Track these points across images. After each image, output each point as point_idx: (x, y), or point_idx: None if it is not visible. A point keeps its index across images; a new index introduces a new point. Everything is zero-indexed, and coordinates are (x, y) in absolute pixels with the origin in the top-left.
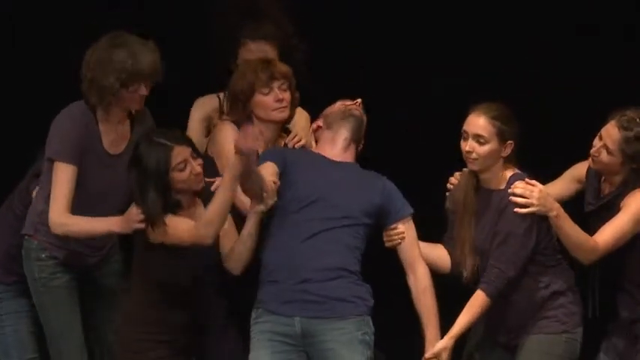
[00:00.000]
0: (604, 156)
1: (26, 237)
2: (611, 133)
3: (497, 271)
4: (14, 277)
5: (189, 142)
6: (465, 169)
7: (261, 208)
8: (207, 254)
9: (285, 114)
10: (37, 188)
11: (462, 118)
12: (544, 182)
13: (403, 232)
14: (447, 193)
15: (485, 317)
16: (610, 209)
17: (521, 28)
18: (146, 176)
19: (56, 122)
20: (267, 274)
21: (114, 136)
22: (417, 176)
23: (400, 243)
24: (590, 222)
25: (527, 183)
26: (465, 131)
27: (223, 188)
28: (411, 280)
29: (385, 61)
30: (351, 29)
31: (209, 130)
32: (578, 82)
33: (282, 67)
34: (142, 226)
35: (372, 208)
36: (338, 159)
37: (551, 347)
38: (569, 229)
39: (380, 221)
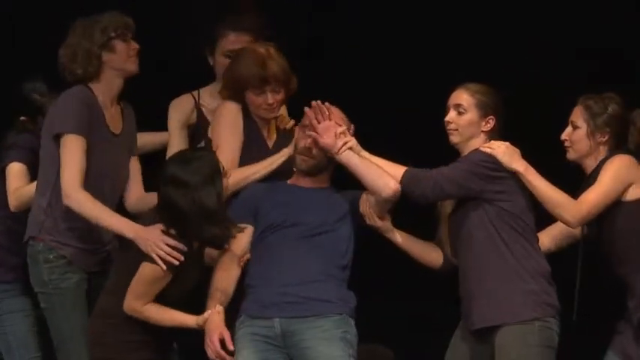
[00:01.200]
0: (571, 135)
1: (30, 241)
2: (574, 112)
3: (432, 176)
4: (13, 274)
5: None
6: None
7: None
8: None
9: (273, 114)
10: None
11: None
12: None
13: (365, 197)
14: None
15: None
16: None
17: (522, 27)
18: (203, 193)
19: (59, 103)
20: (248, 287)
21: (110, 114)
22: None
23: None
24: None
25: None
26: (447, 105)
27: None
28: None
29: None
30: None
31: (189, 130)
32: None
33: (277, 69)
34: (160, 263)
35: (344, 212)
36: (308, 186)
37: (526, 337)
38: (543, 185)
39: (356, 216)
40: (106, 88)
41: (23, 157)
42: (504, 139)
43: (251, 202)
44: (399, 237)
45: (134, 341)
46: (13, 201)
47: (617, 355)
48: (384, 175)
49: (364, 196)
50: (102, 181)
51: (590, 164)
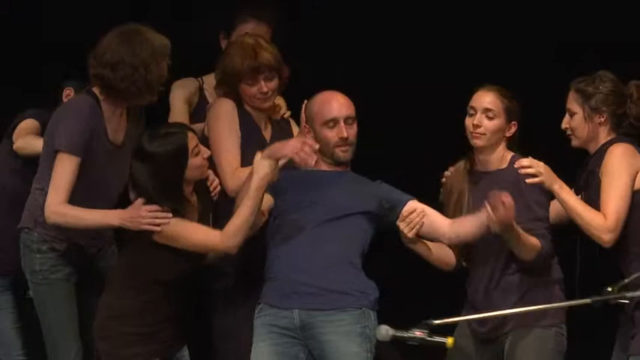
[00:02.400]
0: (570, 122)
1: (25, 230)
2: (569, 98)
3: (547, 240)
4: None
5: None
6: (458, 163)
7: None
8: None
9: (268, 103)
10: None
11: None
12: None
13: (422, 209)
14: (442, 188)
15: (469, 306)
16: (589, 177)
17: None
18: (165, 167)
19: (61, 115)
20: (268, 271)
21: (115, 127)
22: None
23: (423, 220)
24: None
25: (531, 159)
26: (472, 107)
27: (249, 198)
28: (462, 230)
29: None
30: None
31: (190, 112)
32: None
33: (268, 57)
34: (154, 227)
35: (369, 200)
36: (335, 167)
37: (544, 342)
38: (575, 202)
39: (385, 219)
40: (117, 104)
41: (38, 117)
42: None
43: (276, 192)
44: (421, 246)
45: (139, 334)
46: (19, 142)
47: (622, 352)
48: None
49: (419, 210)
50: (104, 191)
51: (595, 147)
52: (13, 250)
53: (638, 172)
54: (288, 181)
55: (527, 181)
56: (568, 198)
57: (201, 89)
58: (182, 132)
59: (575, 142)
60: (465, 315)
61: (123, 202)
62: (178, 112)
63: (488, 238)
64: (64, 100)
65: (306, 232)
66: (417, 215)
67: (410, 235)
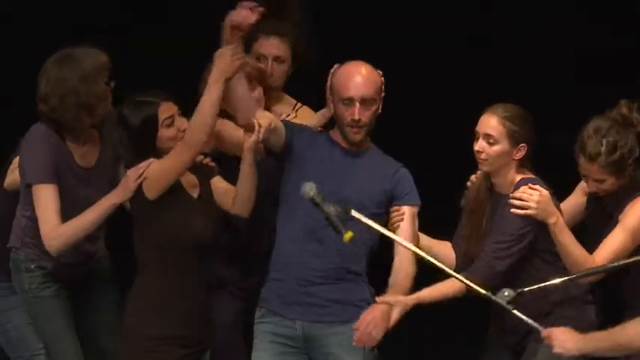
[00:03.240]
0: (601, 187)
1: (13, 249)
2: (591, 170)
3: (485, 263)
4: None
5: (174, 101)
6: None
7: (254, 140)
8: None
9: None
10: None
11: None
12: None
13: (404, 213)
14: (465, 191)
15: (496, 318)
16: (608, 220)
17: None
18: (135, 134)
19: (25, 149)
20: (273, 271)
21: (83, 149)
22: (436, 177)
23: (398, 223)
24: (590, 234)
25: (531, 187)
26: (476, 131)
27: (209, 89)
28: (395, 261)
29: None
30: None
31: None
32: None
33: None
34: (140, 178)
35: (382, 196)
36: (352, 147)
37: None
38: (567, 239)
39: (388, 207)
40: (76, 129)
41: None
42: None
43: (290, 131)
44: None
45: (167, 337)
46: (8, 177)
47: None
48: None
49: (400, 213)
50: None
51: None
52: None
53: None
54: (306, 151)
55: (512, 211)
56: (559, 233)
57: None
58: (154, 102)
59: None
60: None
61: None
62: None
63: None
64: None
65: (319, 239)
66: (397, 216)
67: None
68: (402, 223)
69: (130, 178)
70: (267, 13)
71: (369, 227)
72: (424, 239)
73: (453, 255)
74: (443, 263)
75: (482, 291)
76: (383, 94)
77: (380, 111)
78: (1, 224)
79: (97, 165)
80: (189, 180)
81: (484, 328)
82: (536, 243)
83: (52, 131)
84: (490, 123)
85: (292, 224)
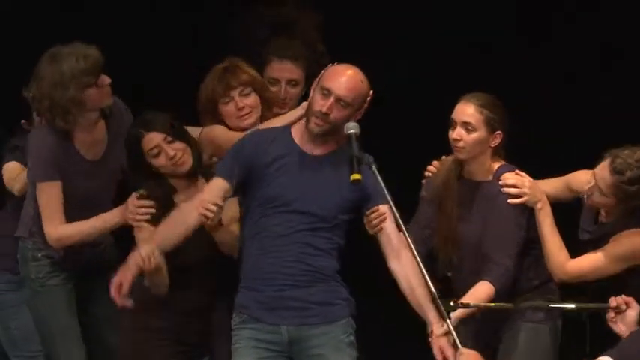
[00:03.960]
0: (597, 197)
1: (22, 238)
2: (603, 176)
3: (504, 268)
4: (13, 268)
5: (162, 127)
6: (445, 157)
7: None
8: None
9: (250, 120)
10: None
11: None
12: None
13: (384, 213)
14: (424, 181)
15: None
16: (603, 242)
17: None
18: (129, 159)
19: (30, 147)
20: (245, 280)
21: (90, 142)
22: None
23: (381, 225)
24: (582, 250)
25: (517, 173)
26: (452, 120)
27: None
28: (396, 267)
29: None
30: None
31: None
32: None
33: (241, 74)
34: (138, 224)
35: (348, 203)
36: (316, 152)
37: (538, 337)
38: (548, 228)
39: (359, 211)
40: (81, 123)
41: (19, 158)
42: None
43: (244, 159)
44: None
45: (160, 329)
46: (18, 184)
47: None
48: None
49: (380, 214)
50: (91, 207)
51: (618, 207)
52: None
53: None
54: (265, 162)
55: (510, 201)
56: (543, 220)
57: None
58: (139, 133)
59: (590, 203)
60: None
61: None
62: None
63: (470, 248)
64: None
65: (288, 244)
66: (378, 218)
67: (370, 232)
68: (386, 225)
69: (131, 214)
70: (279, 31)
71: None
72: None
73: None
74: None
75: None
76: (366, 105)
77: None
78: (3, 224)
79: (104, 157)
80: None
81: None
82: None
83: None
84: (467, 111)
85: (258, 236)
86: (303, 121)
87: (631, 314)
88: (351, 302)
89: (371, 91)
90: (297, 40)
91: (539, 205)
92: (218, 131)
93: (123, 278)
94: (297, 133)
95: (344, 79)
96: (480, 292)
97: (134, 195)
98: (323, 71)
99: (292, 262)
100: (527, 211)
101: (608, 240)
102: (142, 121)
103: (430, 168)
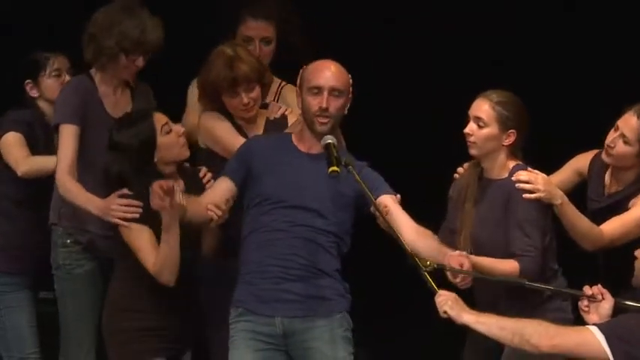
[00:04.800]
0: (620, 146)
1: (52, 227)
2: (629, 121)
3: (532, 253)
4: (17, 265)
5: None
6: (473, 160)
7: (215, 224)
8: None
9: (251, 113)
10: None
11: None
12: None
13: (386, 206)
14: (453, 182)
15: None
16: (617, 209)
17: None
18: (134, 160)
19: (61, 91)
20: (242, 275)
21: (114, 101)
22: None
23: (386, 213)
24: (594, 220)
25: (530, 171)
26: (468, 115)
27: (165, 233)
28: (422, 243)
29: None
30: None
31: None
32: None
33: (246, 69)
34: (122, 223)
35: (347, 199)
36: (314, 150)
37: None
38: (574, 217)
39: (362, 208)
40: (105, 79)
41: (18, 127)
42: (528, 150)
43: (247, 161)
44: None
45: (142, 328)
46: (23, 166)
47: None
48: None
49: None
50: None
51: (623, 172)
52: (32, 250)
53: None
54: (264, 163)
55: (524, 196)
56: (567, 211)
57: None
58: (147, 114)
59: (609, 161)
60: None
61: None
62: (193, 111)
63: (486, 249)
64: (29, 91)
65: (283, 238)
66: (381, 208)
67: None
68: (392, 210)
69: (114, 212)
70: None
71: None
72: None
73: (436, 248)
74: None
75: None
76: (351, 95)
77: (346, 112)
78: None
79: None
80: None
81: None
82: None
83: (88, 80)
84: (482, 107)
85: (257, 233)
86: (300, 125)
87: (605, 306)
88: (348, 299)
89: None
90: (269, 1)
91: (557, 201)
92: (221, 132)
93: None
94: (295, 136)
95: (327, 71)
96: (505, 264)
97: (116, 194)
98: (300, 76)
99: (288, 255)
100: (545, 210)
101: (623, 207)
102: (133, 114)
103: (458, 169)
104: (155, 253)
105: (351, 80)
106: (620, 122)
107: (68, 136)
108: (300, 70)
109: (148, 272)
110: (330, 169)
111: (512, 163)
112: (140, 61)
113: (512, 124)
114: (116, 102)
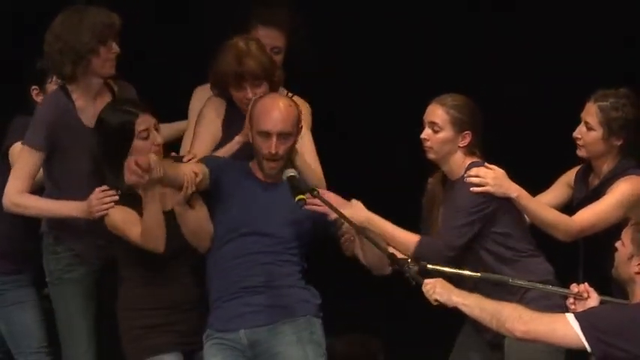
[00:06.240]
0: (586, 135)
1: (44, 233)
2: (589, 109)
3: (441, 243)
4: (21, 265)
5: (153, 114)
6: (438, 172)
7: (180, 199)
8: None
9: None
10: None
11: None
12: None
13: (350, 235)
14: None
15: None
16: (596, 198)
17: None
18: (110, 139)
19: (36, 111)
20: (211, 302)
21: (92, 111)
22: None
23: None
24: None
25: (487, 166)
26: (423, 120)
27: (146, 205)
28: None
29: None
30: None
31: None
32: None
33: (253, 65)
34: (103, 213)
35: (303, 225)
36: (271, 179)
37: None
38: (536, 208)
39: (322, 233)
40: (84, 89)
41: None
42: (485, 151)
43: (215, 170)
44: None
45: (154, 325)
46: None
47: None
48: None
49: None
50: (88, 176)
51: (600, 165)
52: (34, 249)
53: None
54: (227, 187)
55: (472, 189)
56: (527, 204)
57: None
58: (134, 111)
59: (582, 153)
60: None
61: None
62: (193, 121)
63: None
64: (35, 97)
65: (243, 263)
66: (347, 240)
67: (347, 254)
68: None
69: (94, 207)
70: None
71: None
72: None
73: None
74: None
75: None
76: (301, 125)
77: (296, 143)
78: (7, 220)
79: None
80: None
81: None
82: (487, 226)
83: (62, 93)
84: (435, 111)
85: (219, 261)
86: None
87: (591, 304)
88: (313, 304)
89: (299, 107)
90: (280, 10)
91: (514, 194)
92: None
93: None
94: (254, 166)
95: (274, 114)
96: (407, 236)
97: (97, 190)
98: (250, 110)
99: (248, 277)
100: (492, 203)
101: (597, 198)
102: (130, 103)
103: (429, 180)
104: (138, 226)
105: (299, 110)
106: (582, 114)
107: (28, 159)
108: (252, 102)
109: (137, 258)
110: (297, 197)
111: (468, 161)
112: (116, 47)
113: (467, 126)
114: (95, 114)
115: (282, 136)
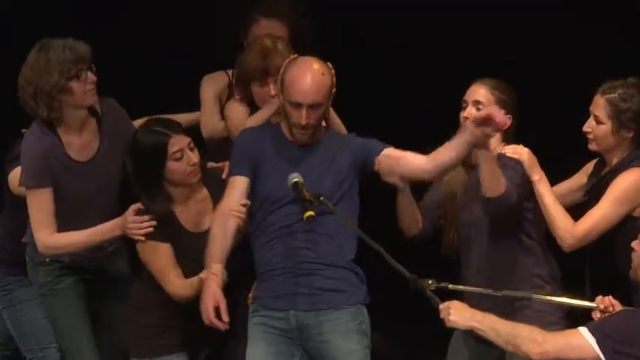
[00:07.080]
0: (595, 129)
1: (29, 244)
2: (597, 102)
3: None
4: (23, 265)
5: (185, 133)
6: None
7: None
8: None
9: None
10: None
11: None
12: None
13: (398, 155)
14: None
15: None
16: (602, 190)
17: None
18: (143, 160)
19: (21, 153)
20: (259, 273)
21: (79, 144)
22: None
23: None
24: (587, 205)
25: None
26: (464, 100)
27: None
28: (440, 158)
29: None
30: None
31: (221, 108)
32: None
33: (279, 61)
34: (139, 238)
35: (345, 174)
36: (306, 142)
37: None
38: (549, 199)
39: (363, 169)
40: (68, 123)
41: None
42: (518, 137)
43: (248, 153)
44: (404, 195)
45: (153, 325)
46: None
47: None
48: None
49: (395, 159)
50: (87, 209)
51: (611, 158)
52: None
53: None
54: (263, 157)
55: (507, 153)
56: (544, 192)
57: (230, 85)
58: (167, 134)
59: (593, 147)
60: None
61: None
62: (209, 107)
63: (473, 235)
64: None
65: (292, 234)
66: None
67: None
68: (399, 154)
69: (130, 229)
70: None
71: (341, 216)
72: (410, 199)
73: (420, 222)
74: (412, 227)
75: (407, 273)
76: (334, 90)
77: (329, 109)
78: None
79: (96, 157)
80: (193, 211)
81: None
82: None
83: (46, 127)
84: (479, 91)
85: (266, 231)
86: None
87: None
88: (362, 290)
89: (333, 72)
90: (282, 1)
91: (536, 176)
92: (235, 117)
93: (213, 302)
94: (285, 127)
95: (306, 85)
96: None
97: (132, 208)
98: (281, 75)
99: (299, 249)
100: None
101: (603, 190)
102: (163, 124)
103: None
104: (170, 271)
105: (333, 78)
106: (591, 107)
107: (39, 199)
108: (283, 64)
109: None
110: (306, 215)
111: (503, 146)
112: (91, 76)
113: (509, 109)
114: (82, 145)
115: (313, 107)
